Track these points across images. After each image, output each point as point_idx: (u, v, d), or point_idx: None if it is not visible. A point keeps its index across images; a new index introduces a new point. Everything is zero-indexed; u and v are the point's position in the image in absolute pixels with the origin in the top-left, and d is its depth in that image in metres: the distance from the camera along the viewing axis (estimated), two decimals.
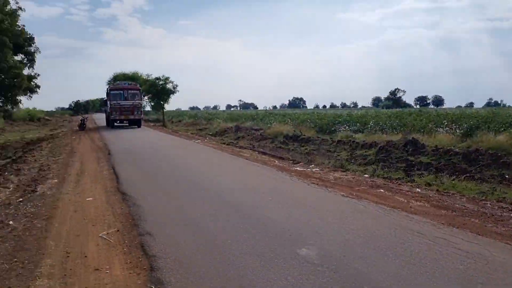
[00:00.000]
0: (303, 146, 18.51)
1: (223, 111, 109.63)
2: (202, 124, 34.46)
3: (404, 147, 13.36)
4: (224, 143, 18.95)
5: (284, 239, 5.24)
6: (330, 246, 4.95)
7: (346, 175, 10.20)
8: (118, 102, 30.19)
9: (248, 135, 23.21)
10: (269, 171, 10.65)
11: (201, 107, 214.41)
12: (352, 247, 4.93)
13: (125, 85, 32.67)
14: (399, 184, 9.07)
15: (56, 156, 13.99)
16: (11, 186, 9.46)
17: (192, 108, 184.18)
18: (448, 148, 12.40)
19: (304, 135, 20.72)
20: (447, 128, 17.05)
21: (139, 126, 31.47)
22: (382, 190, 8.27)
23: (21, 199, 8.02)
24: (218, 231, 5.62)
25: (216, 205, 7.02)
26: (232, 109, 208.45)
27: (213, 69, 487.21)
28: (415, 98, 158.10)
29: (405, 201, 7.34)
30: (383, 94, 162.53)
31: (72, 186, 9.12)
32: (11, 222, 6.45)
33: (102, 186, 9.09)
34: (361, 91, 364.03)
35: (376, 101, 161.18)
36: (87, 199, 7.88)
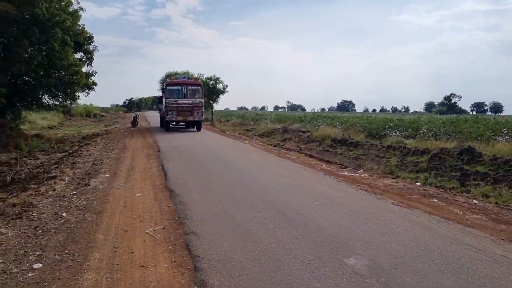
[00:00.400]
0: (351, 150, 18.05)
1: (271, 112, 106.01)
2: (249, 124, 34.36)
3: (459, 155, 12.67)
4: (270, 144, 18.85)
5: (331, 247, 5.04)
6: (380, 257, 4.71)
7: (396, 182, 9.80)
8: (176, 100, 25.14)
9: (295, 137, 22.98)
10: (316, 174, 10.43)
11: (249, 107, 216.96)
12: (404, 260, 4.66)
13: (184, 79, 27.59)
14: (454, 194, 8.58)
15: (109, 151, 14.44)
16: (66, 178, 9.81)
17: (240, 109, 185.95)
18: (508, 158, 11.63)
19: (353, 139, 20.20)
20: (507, 137, 16.03)
21: (198, 129, 26.72)
22: (435, 200, 7.85)
23: (74, 192, 8.28)
24: (262, 234, 5.51)
25: (262, 207, 6.91)
26: (279, 110, 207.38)
27: (262, 70, 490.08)
28: (472, 104, 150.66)
29: (461, 213, 6.91)
30: (437, 99, 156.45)
31: (122, 181, 9.33)
32: (64, 214, 6.64)
33: (151, 182, 9.23)
34: (413, 96, 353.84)
35: (429, 106, 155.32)
36: (136, 195, 8.01)
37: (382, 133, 21.89)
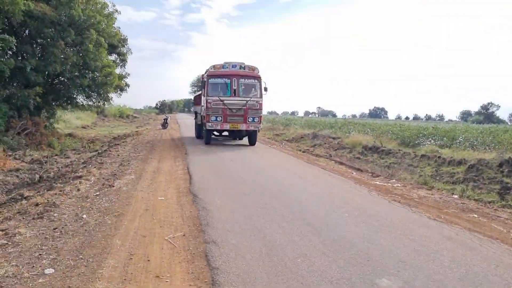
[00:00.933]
0: (382, 158, 17.39)
1: (301, 117, 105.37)
2: (279, 129, 33.80)
3: (499, 167, 11.86)
4: (300, 150, 18.39)
5: (362, 265, 4.58)
6: (416, 279, 4.22)
7: (431, 194, 9.17)
8: (221, 99, 17.12)
9: (325, 143, 22.40)
10: (346, 183, 9.91)
11: (279, 112, 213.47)
12: (444, 283, 4.15)
13: (235, 68, 17.81)
14: (495, 209, 7.91)
15: (137, 152, 14.35)
16: (92, 179, 9.68)
17: (270, 113, 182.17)
18: None
19: (385, 147, 19.49)
20: None
21: (252, 143, 18.82)
22: (475, 215, 7.23)
23: (98, 193, 8.10)
24: (288, 247, 5.10)
25: (288, 217, 6.51)
26: (310, 115, 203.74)
27: (293, 75, 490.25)
28: (510, 114, 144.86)
29: (505, 230, 6.29)
30: (473, 108, 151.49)
31: (147, 183, 9.11)
32: (84, 216, 6.43)
33: (175, 185, 8.97)
34: (448, 104, 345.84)
35: (465, 115, 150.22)
36: (159, 198, 7.75)
37: (416, 142, 21.06)
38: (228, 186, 8.89)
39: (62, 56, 18.25)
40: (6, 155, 14.42)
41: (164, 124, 30.61)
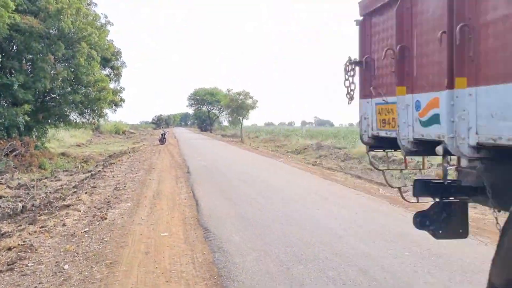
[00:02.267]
0: (396, 169, 15.96)
1: (300, 127, 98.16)
2: (280, 140, 32.33)
3: None
4: (309, 163, 16.81)
5: None
6: None
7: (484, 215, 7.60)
8: None
9: (331, 154, 20.90)
10: (381, 204, 8.33)
11: (276, 123, 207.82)
12: None
13: None
14: None
15: (134, 172, 12.72)
16: (82, 208, 8.08)
17: (268, 124, 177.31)
18: None
19: (395, 156, 18.12)
20: None
21: None
22: None
23: (87, 229, 6.50)
24: None
25: (334, 261, 4.92)
26: (307, 125, 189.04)
27: (289, 86, 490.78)
28: None
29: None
30: None
31: (146, 213, 7.50)
32: (66, 267, 4.84)
33: (180, 215, 7.37)
34: None
35: None
36: (162, 234, 6.14)
37: None
38: (244, 215, 7.27)
39: (52, 71, 16.71)
40: None
41: (162, 139, 28.87)
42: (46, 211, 8.61)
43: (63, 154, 20.20)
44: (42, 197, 10.65)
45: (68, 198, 9.37)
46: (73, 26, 16.92)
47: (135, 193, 9.51)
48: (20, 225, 7.61)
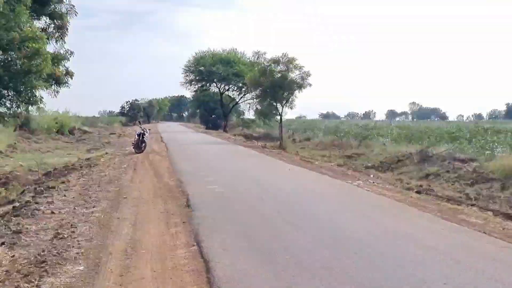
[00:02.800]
0: None
1: (389, 122, 62.67)
2: (350, 146, 20.30)
3: None
4: (408, 188, 10.20)
5: None
6: None
7: None
8: None
9: (447, 171, 12.44)
10: None
11: (340, 114, 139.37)
12: None
13: None
14: None
15: (90, 206, 7.74)
16: None
17: (326, 117, 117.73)
18: None
19: None
20: None
21: None
22: None
23: None
24: None
25: None
26: (398, 119, 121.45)
27: (364, 52, 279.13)
28: None
29: None
30: None
31: (112, 285, 4.17)
32: None
33: None
34: None
35: None
36: None
37: None
38: None
39: None
40: None
41: (139, 144, 17.53)
42: None
43: None
44: None
45: None
46: None
47: (92, 244, 5.22)
48: None
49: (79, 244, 5.31)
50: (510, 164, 10.69)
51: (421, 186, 10.54)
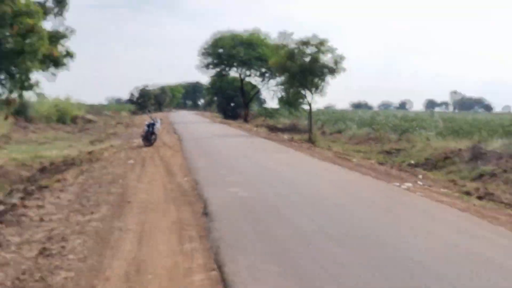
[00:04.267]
0: None
1: (431, 112, 55.13)
2: (389, 140, 19.00)
3: None
4: (468, 193, 8.70)
5: None
6: None
7: None
8: None
9: (505, 171, 11.11)
10: None
11: (374, 104, 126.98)
12: None
13: None
14: None
15: (87, 211, 6.65)
16: None
17: (357, 106, 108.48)
18: None
19: None
20: None
21: None
22: None
23: None
24: None
25: None
26: (437, 109, 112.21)
27: (399, 36, 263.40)
28: None
29: None
30: None
31: None
32: None
33: None
34: None
35: None
36: None
37: None
38: None
39: None
40: None
41: (148, 136, 15.74)
42: None
43: None
44: None
45: None
46: None
47: (85, 266, 4.14)
48: None
49: (69, 264, 4.31)
50: None
51: (478, 189, 8.94)
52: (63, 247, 4.68)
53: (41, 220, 5.74)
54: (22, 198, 7.15)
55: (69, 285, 3.87)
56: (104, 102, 72.36)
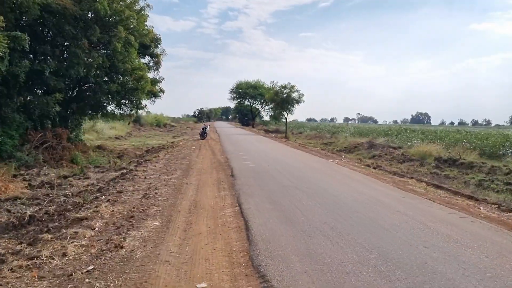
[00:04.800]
0: (467, 174, 13.38)
1: (346, 123, 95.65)
2: (326, 137, 29.59)
3: None
4: (368, 165, 14.17)
5: None
6: None
7: None
8: None
9: (386, 154, 18.16)
10: (505, 235, 5.68)
11: (317, 119, 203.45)
12: None
13: None
14: None
15: (170, 174, 10.58)
16: (97, 225, 5.97)
17: (309, 120, 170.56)
18: None
19: (464, 159, 15.30)
20: None
21: None
22: None
23: (92, 267, 4.31)
24: None
25: None
26: (349, 122, 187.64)
27: (331, 82, 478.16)
28: None
29: None
30: None
31: (177, 240, 5.29)
32: None
33: (225, 243, 5.10)
34: (495, 108, 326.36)
35: None
36: (198, 286, 3.86)
37: (500, 152, 16.55)
38: (307, 251, 4.88)
39: (86, 58, 14.82)
40: (10, 176, 11.02)
41: (203, 134, 26.26)
42: (57, 223, 6.59)
43: (99, 147, 18.52)
44: (61, 201, 8.69)
45: (87, 206, 7.29)
46: (109, 8, 14.99)
47: (167, 204, 7.31)
48: (17, 247, 5.57)
49: (158, 203, 7.36)
50: (423, 150, 16.82)
51: (373, 164, 14.83)
52: (156, 193, 8.01)
53: (145, 178, 9.34)
54: (136, 166, 10.98)
55: (157, 215, 6.45)
56: (180, 116, 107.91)
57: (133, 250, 4.83)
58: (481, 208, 7.52)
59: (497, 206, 7.94)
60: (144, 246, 4.98)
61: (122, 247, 4.91)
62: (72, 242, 5.15)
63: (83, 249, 4.94)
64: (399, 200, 7.85)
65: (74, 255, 4.74)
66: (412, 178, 11.32)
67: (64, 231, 5.79)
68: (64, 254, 4.76)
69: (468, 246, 4.87)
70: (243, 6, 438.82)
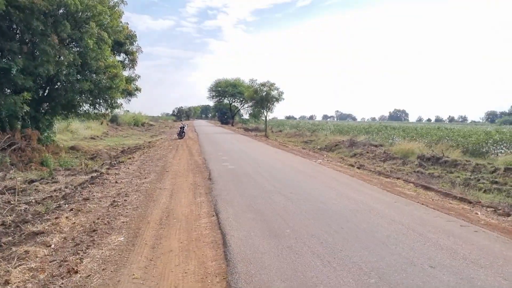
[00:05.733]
0: (451, 173, 13.04)
1: (325, 121, 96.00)
2: (306, 135, 28.89)
3: None
4: (351, 165, 13.55)
5: None
6: None
7: None
8: None
9: (367, 152, 17.65)
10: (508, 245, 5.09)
11: (296, 116, 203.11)
12: None
13: None
14: None
15: (143, 177, 9.70)
16: (53, 241, 5.12)
17: (288, 117, 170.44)
18: None
19: (447, 157, 14.95)
20: None
21: None
22: None
23: None
24: None
25: None
26: (328, 119, 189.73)
27: (310, 79, 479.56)
28: None
29: None
30: (500, 109, 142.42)
31: (144, 260, 4.50)
32: None
33: (199, 265, 4.32)
34: (470, 104, 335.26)
35: (492, 116, 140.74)
36: None
37: (483, 150, 16.24)
38: (295, 273, 4.16)
39: (56, 55, 13.77)
40: None
41: (181, 133, 24.87)
42: (10, 238, 5.71)
43: (72, 148, 17.45)
44: (22, 210, 7.76)
45: (46, 217, 6.41)
46: (80, 3, 13.97)
47: (136, 213, 6.48)
48: None
49: (126, 212, 6.47)
50: (405, 148, 16.40)
51: (356, 163, 14.23)
52: (125, 200, 7.15)
53: (116, 182, 8.41)
54: (108, 168, 9.90)
55: (124, 227, 5.61)
56: (160, 115, 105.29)
57: (89, 275, 4.03)
58: (479, 213, 6.95)
59: (493, 209, 7.40)
60: (103, 269, 4.18)
61: (76, 272, 4.10)
62: (19, 265, 4.32)
63: (31, 274, 4.11)
64: (391, 205, 7.17)
65: (18, 283, 3.91)
66: (398, 178, 10.74)
67: (14, 249, 4.94)
68: (7, 282, 3.93)
69: (480, 265, 4.21)
70: (223, 5, 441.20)
